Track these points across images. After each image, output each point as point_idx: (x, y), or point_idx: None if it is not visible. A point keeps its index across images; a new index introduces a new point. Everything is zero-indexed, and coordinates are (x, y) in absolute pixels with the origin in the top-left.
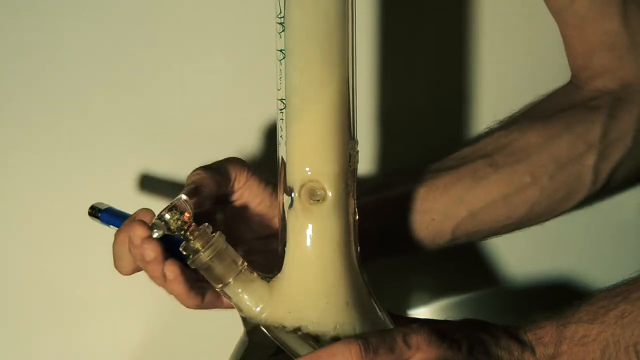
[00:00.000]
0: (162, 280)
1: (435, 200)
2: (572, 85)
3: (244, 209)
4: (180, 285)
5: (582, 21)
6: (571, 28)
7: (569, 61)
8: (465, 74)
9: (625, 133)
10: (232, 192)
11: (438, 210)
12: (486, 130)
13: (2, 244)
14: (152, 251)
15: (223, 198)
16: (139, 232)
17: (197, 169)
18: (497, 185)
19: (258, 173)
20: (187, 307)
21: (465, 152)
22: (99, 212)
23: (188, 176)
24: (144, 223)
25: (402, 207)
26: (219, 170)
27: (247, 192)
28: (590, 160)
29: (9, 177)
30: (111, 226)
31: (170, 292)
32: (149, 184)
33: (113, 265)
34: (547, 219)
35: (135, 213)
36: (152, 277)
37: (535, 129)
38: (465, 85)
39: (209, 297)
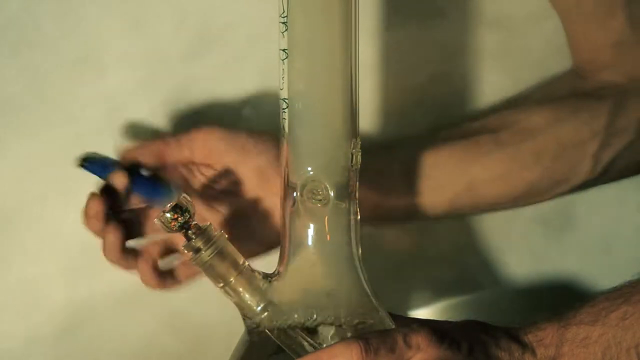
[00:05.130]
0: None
1: (437, 168)
2: (576, 74)
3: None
4: (114, 253)
5: (588, 19)
6: (576, 26)
7: (572, 55)
8: (467, 75)
9: (629, 125)
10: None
11: (438, 179)
12: (492, 107)
13: None
14: (92, 209)
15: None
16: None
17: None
18: (499, 162)
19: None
20: (148, 285)
21: (471, 126)
22: (85, 162)
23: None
24: (99, 198)
25: (409, 170)
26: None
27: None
28: (592, 147)
29: None
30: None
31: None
32: None
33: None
34: (545, 199)
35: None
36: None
37: (542, 111)
38: (466, 85)
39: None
